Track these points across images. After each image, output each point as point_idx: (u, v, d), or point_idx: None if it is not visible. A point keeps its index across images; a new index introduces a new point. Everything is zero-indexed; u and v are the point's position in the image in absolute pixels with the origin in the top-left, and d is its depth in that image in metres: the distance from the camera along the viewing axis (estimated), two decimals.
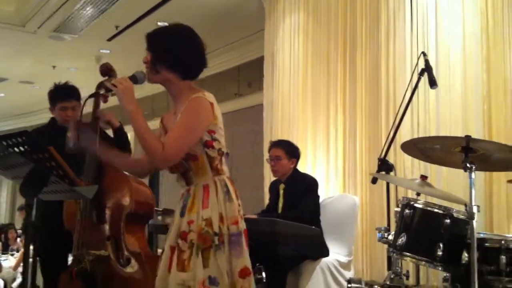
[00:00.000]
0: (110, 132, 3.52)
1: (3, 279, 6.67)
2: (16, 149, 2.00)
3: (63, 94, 3.59)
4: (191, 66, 2.39)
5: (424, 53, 3.35)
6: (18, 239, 8.54)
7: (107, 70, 3.13)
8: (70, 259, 3.43)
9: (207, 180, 2.31)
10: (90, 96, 2.56)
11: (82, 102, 3.64)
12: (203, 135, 2.30)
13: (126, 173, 3.22)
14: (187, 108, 2.31)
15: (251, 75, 7.98)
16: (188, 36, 2.40)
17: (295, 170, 4.27)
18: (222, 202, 2.28)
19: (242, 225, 2.31)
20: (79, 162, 3.12)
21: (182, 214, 2.30)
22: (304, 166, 5.04)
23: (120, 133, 3.53)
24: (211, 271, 2.18)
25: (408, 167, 4.17)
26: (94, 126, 3.19)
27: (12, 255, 7.92)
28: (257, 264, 4.34)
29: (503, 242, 2.53)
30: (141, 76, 2.38)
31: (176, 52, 2.35)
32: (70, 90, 3.62)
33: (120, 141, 3.53)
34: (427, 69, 3.26)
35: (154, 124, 2.72)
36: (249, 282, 2.25)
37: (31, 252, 3.49)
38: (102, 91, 2.42)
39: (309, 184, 4.18)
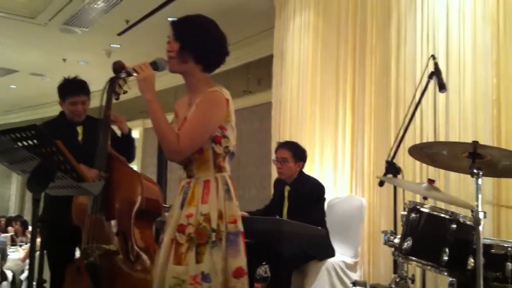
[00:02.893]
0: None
1: (11, 271, 6.70)
2: (24, 143, 2.00)
3: (72, 89, 3.60)
4: (215, 58, 2.41)
5: (433, 56, 3.33)
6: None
7: (119, 68, 3.13)
8: (77, 253, 3.45)
9: (208, 176, 2.30)
10: (111, 80, 2.56)
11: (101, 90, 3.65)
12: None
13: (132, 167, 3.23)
14: (203, 101, 2.31)
15: (260, 72, 7.97)
16: (214, 29, 2.42)
17: (301, 173, 4.23)
18: (222, 199, 2.27)
19: (240, 226, 2.29)
20: (89, 157, 3.12)
21: (181, 207, 2.30)
22: (311, 166, 5.03)
23: (126, 138, 3.55)
24: (204, 267, 2.17)
25: (417, 170, 4.15)
26: (105, 122, 3.19)
27: (20, 246, 7.98)
28: (263, 263, 4.36)
29: (509, 248, 2.52)
30: (161, 64, 2.37)
31: (205, 43, 2.35)
32: (80, 85, 3.63)
33: (125, 145, 3.55)
34: (436, 72, 3.24)
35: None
36: (242, 283, 2.22)
37: (38, 245, 3.54)
38: (123, 75, 2.43)
39: (315, 191, 4.14)
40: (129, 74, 2.37)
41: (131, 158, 3.66)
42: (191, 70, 2.37)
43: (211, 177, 2.30)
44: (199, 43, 2.34)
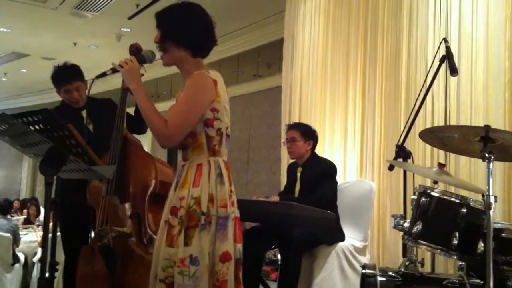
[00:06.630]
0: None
1: (23, 253, 6.76)
2: (36, 126, 2.02)
3: (63, 77, 3.57)
4: (198, 41, 2.39)
5: (445, 40, 3.29)
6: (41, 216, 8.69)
7: (135, 50, 3.14)
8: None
9: (202, 160, 2.31)
10: (97, 77, 2.56)
11: (88, 81, 3.64)
12: (205, 112, 2.31)
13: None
14: (188, 85, 2.33)
15: (270, 56, 7.94)
16: (194, 12, 2.40)
17: (313, 154, 4.22)
18: (214, 183, 2.28)
19: (231, 211, 2.30)
20: (99, 141, 3.14)
21: (175, 189, 2.33)
22: (321, 149, 5.02)
23: None
24: (192, 250, 2.19)
25: (427, 154, 4.14)
26: (122, 100, 3.19)
27: (38, 226, 8.05)
28: (272, 247, 4.38)
29: None
30: (148, 55, 2.42)
31: (182, 28, 2.35)
32: (70, 72, 3.59)
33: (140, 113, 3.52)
34: (448, 56, 3.21)
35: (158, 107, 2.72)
36: (227, 267, 2.23)
37: (50, 228, 3.57)
38: (108, 72, 2.46)
39: (327, 169, 4.12)
40: (114, 71, 2.42)
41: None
42: (180, 58, 2.37)
43: (204, 160, 2.31)
44: (177, 29, 2.35)
